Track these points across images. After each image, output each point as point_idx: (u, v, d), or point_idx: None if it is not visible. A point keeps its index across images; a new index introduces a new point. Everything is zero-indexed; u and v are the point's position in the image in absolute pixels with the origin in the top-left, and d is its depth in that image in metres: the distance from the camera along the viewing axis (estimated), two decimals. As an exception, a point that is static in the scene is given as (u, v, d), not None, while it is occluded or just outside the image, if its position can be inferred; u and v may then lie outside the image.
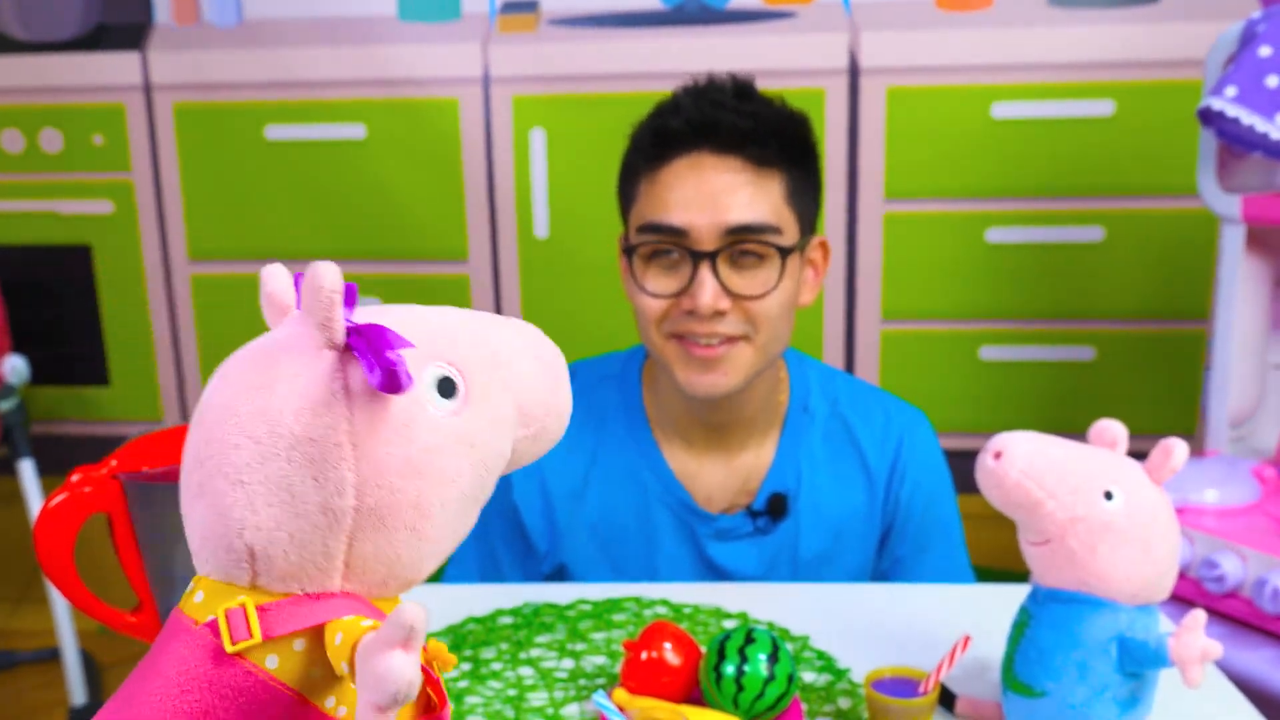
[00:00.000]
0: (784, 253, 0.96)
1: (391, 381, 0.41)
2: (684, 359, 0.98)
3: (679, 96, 1.00)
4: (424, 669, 0.40)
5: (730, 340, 0.97)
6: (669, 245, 0.96)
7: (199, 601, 0.42)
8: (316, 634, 0.41)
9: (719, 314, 0.96)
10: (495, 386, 0.45)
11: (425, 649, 0.41)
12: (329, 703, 0.42)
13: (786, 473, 1.05)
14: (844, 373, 1.16)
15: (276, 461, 0.41)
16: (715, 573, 1.05)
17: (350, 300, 0.43)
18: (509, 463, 0.47)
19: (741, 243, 0.95)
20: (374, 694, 0.35)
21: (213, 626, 0.41)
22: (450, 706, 0.44)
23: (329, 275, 0.41)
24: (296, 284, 0.48)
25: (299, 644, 0.41)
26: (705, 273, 0.95)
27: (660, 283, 0.98)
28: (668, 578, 1.05)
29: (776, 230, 0.96)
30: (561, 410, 0.48)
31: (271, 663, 0.40)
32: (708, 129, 0.96)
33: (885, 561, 1.08)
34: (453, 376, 0.44)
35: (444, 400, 0.43)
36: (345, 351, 0.42)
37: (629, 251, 1.00)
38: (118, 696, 0.42)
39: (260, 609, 0.41)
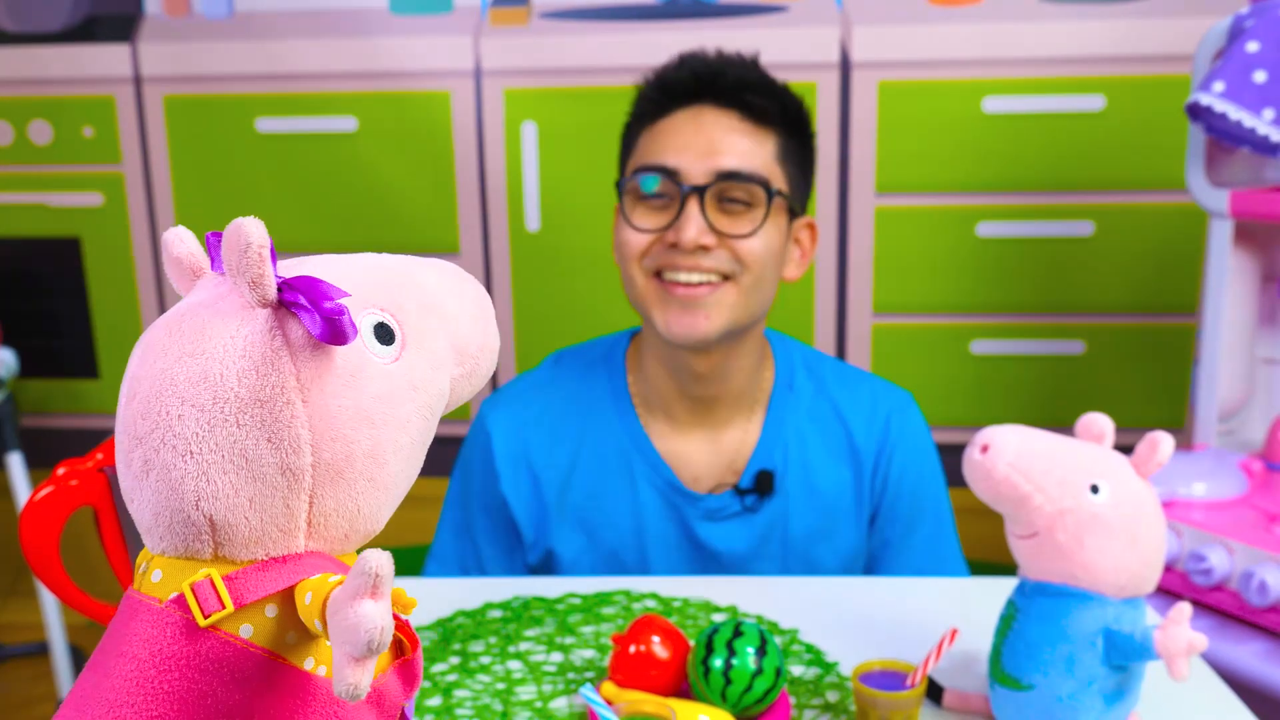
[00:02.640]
0: (771, 195, 0.98)
1: (335, 332, 0.40)
2: (664, 299, 0.98)
3: (686, 55, 1.03)
4: (394, 615, 0.39)
5: (712, 285, 0.97)
6: (661, 189, 0.98)
7: (158, 580, 0.41)
8: (287, 597, 0.41)
9: (703, 249, 0.96)
10: (430, 329, 0.45)
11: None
12: (308, 663, 0.41)
13: (773, 450, 1.05)
14: (829, 355, 1.16)
15: (226, 427, 0.40)
16: (704, 553, 1.05)
17: (271, 256, 0.42)
18: (447, 404, 0.47)
19: (730, 186, 0.97)
20: (349, 645, 0.35)
21: (179, 603, 0.40)
22: (421, 647, 0.44)
23: (255, 231, 0.41)
24: (210, 247, 0.47)
25: (271, 609, 0.40)
26: (692, 206, 0.96)
27: (648, 219, 0.99)
28: (657, 559, 1.05)
29: (766, 182, 0.98)
30: (492, 347, 0.48)
31: (246, 631, 0.40)
32: (711, 80, 0.99)
33: (874, 542, 1.09)
34: (388, 322, 0.44)
35: (383, 347, 0.43)
36: (279, 308, 0.42)
37: (621, 190, 1.01)
38: (80, 688, 0.42)
39: (227, 578, 0.40)
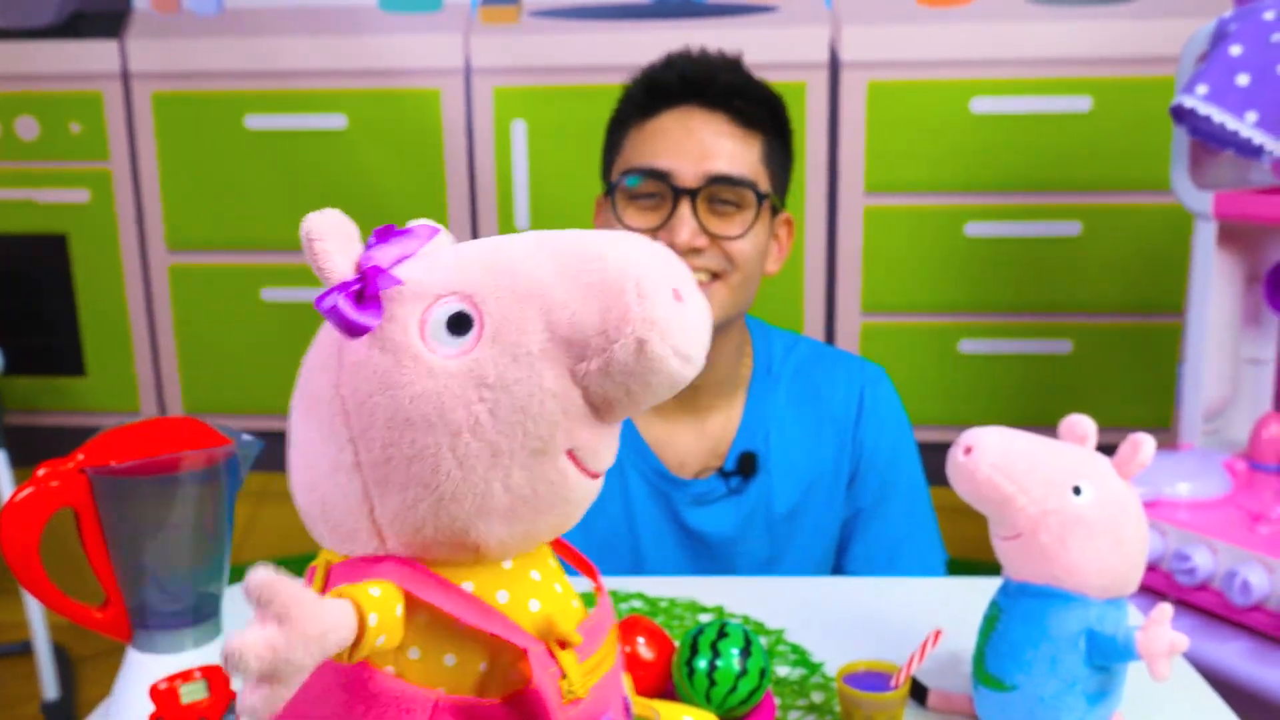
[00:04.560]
0: (760, 198, 1.00)
1: (343, 324, 0.39)
2: None
3: (673, 56, 1.03)
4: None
5: (703, 285, 1.00)
6: (652, 190, 0.98)
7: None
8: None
9: (696, 251, 0.98)
10: (521, 318, 0.39)
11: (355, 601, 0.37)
12: (388, 670, 0.40)
13: (755, 432, 1.07)
14: (807, 337, 1.18)
15: (305, 419, 0.41)
16: (692, 537, 1.07)
17: (384, 238, 0.41)
18: (609, 404, 0.39)
19: (721, 189, 0.98)
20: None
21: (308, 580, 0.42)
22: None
23: (313, 221, 0.40)
24: (384, 235, 0.43)
25: None
26: (685, 209, 0.98)
27: (640, 220, 1.00)
28: (647, 545, 1.06)
29: (755, 185, 0.99)
30: (635, 333, 0.38)
31: None
32: (699, 83, 1.00)
33: (848, 510, 1.10)
34: (466, 311, 0.39)
35: (453, 338, 0.39)
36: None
37: (610, 192, 1.01)
38: None
39: (330, 568, 0.41)
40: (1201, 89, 1.19)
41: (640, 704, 0.71)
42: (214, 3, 1.84)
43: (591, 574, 0.49)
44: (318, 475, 0.40)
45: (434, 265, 0.40)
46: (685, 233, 0.97)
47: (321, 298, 0.39)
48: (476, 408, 0.38)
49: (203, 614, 0.66)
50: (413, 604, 0.39)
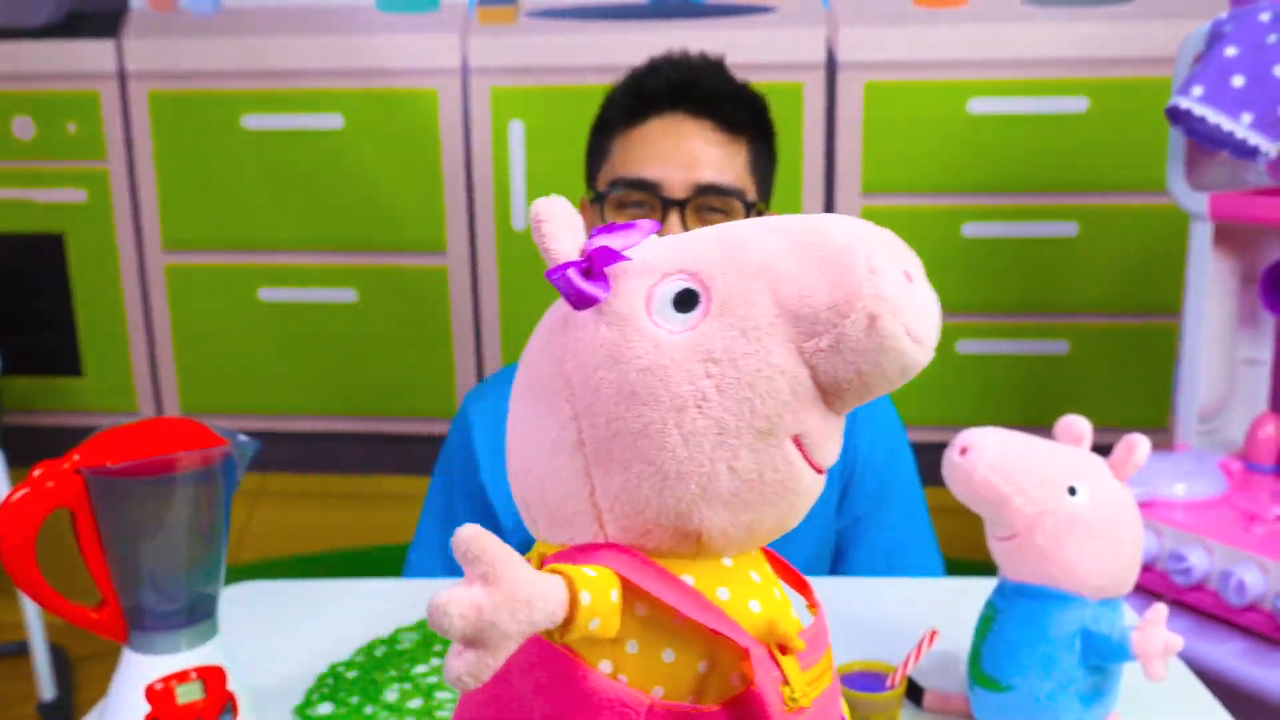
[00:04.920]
0: (748, 208, 1.01)
1: (572, 294, 0.38)
2: None
3: (658, 61, 1.03)
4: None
5: None
6: (640, 199, 0.99)
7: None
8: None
9: None
10: (748, 291, 0.38)
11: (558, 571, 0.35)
12: (604, 665, 0.38)
13: None
14: None
15: (522, 401, 0.40)
16: None
17: (607, 230, 0.40)
18: (837, 388, 0.38)
19: (710, 199, 0.99)
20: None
21: None
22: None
23: (541, 203, 0.40)
24: (607, 229, 0.42)
25: None
26: (674, 219, 0.98)
27: None
28: None
29: (740, 192, 1.00)
30: (868, 307, 0.37)
31: None
32: (686, 90, 1.01)
33: (845, 519, 1.10)
34: (693, 287, 0.39)
35: (679, 314, 0.38)
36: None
37: (600, 199, 1.01)
38: None
39: (544, 559, 0.39)
40: (1197, 90, 1.20)
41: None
42: (211, 2, 1.84)
43: (804, 588, 0.47)
44: (537, 458, 0.39)
45: (658, 246, 0.40)
46: None
47: (552, 270, 0.39)
48: (703, 383, 0.37)
49: (198, 615, 0.66)
50: (630, 594, 0.38)
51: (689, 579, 0.39)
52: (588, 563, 0.37)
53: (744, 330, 0.37)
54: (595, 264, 0.39)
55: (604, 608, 0.36)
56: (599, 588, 0.36)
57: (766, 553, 0.45)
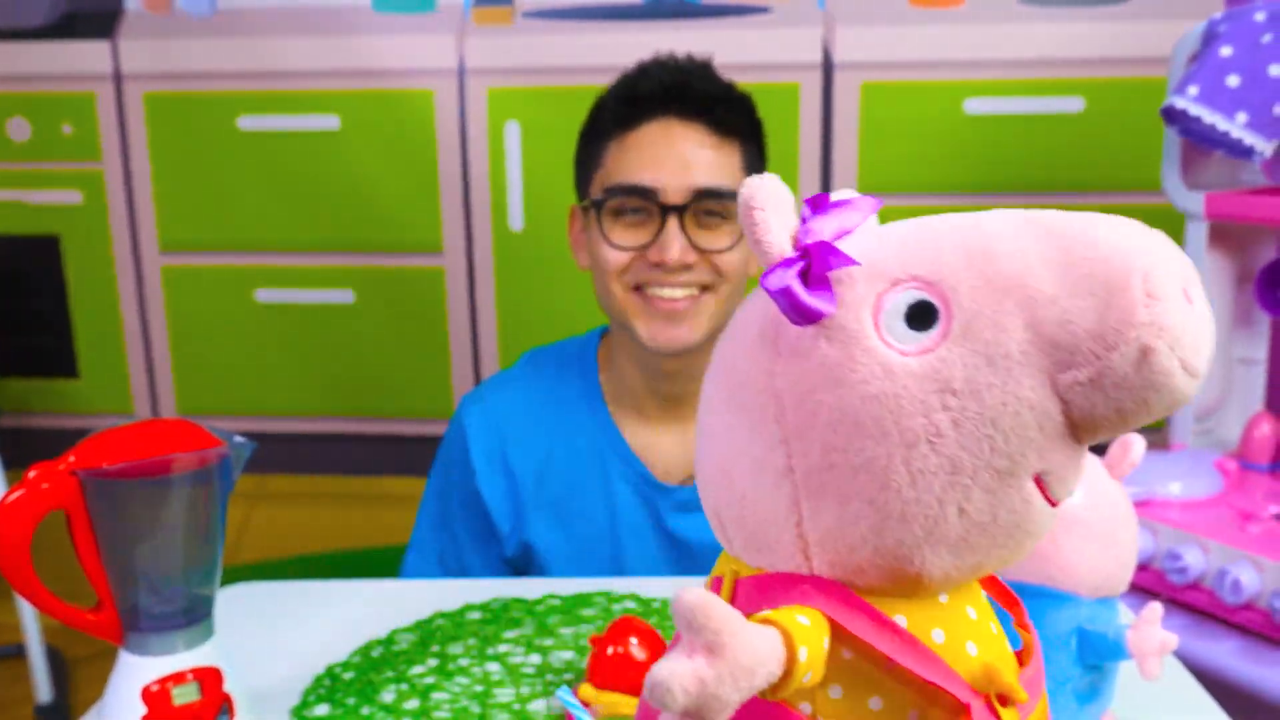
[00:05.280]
0: None
1: (794, 309, 0.33)
2: (647, 312, 1.00)
3: (647, 65, 1.03)
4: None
5: (693, 298, 0.99)
6: (639, 205, 0.98)
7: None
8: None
9: (685, 267, 0.98)
10: (998, 313, 0.33)
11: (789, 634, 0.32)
12: (803, 708, 0.35)
13: None
14: None
15: (721, 406, 0.36)
16: (675, 544, 1.07)
17: (820, 209, 0.35)
18: (1092, 424, 0.33)
19: (707, 203, 0.98)
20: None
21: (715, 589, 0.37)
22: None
23: (754, 188, 0.34)
24: (820, 205, 0.37)
25: None
26: (674, 226, 0.98)
27: (627, 236, 1.00)
28: (630, 551, 1.06)
29: (736, 195, 0.99)
30: (1142, 339, 0.32)
31: None
32: (677, 93, 1.00)
33: None
34: (930, 300, 0.34)
35: (912, 332, 0.33)
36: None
37: (596, 207, 1.01)
38: None
39: (738, 582, 0.36)
40: (1192, 90, 1.20)
41: (633, 705, 0.71)
42: (206, 3, 1.84)
43: (1014, 605, 0.43)
44: (738, 471, 0.35)
45: (885, 242, 0.35)
46: (676, 250, 0.97)
47: (768, 275, 0.34)
48: (939, 416, 0.32)
49: (195, 616, 0.66)
50: (838, 635, 0.34)
51: (902, 619, 0.36)
52: (790, 598, 0.34)
53: (990, 358, 0.32)
54: (814, 262, 0.34)
55: (817, 659, 0.33)
56: (813, 638, 0.32)
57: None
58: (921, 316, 0.33)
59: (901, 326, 0.33)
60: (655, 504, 1.07)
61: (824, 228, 0.35)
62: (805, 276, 0.34)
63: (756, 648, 0.30)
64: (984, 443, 0.33)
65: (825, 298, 0.34)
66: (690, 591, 0.29)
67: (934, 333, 0.33)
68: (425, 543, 1.11)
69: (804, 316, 0.33)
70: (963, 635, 0.37)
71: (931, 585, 0.35)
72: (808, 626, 0.33)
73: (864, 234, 0.36)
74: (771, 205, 0.35)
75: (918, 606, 0.36)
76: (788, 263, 0.34)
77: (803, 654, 0.32)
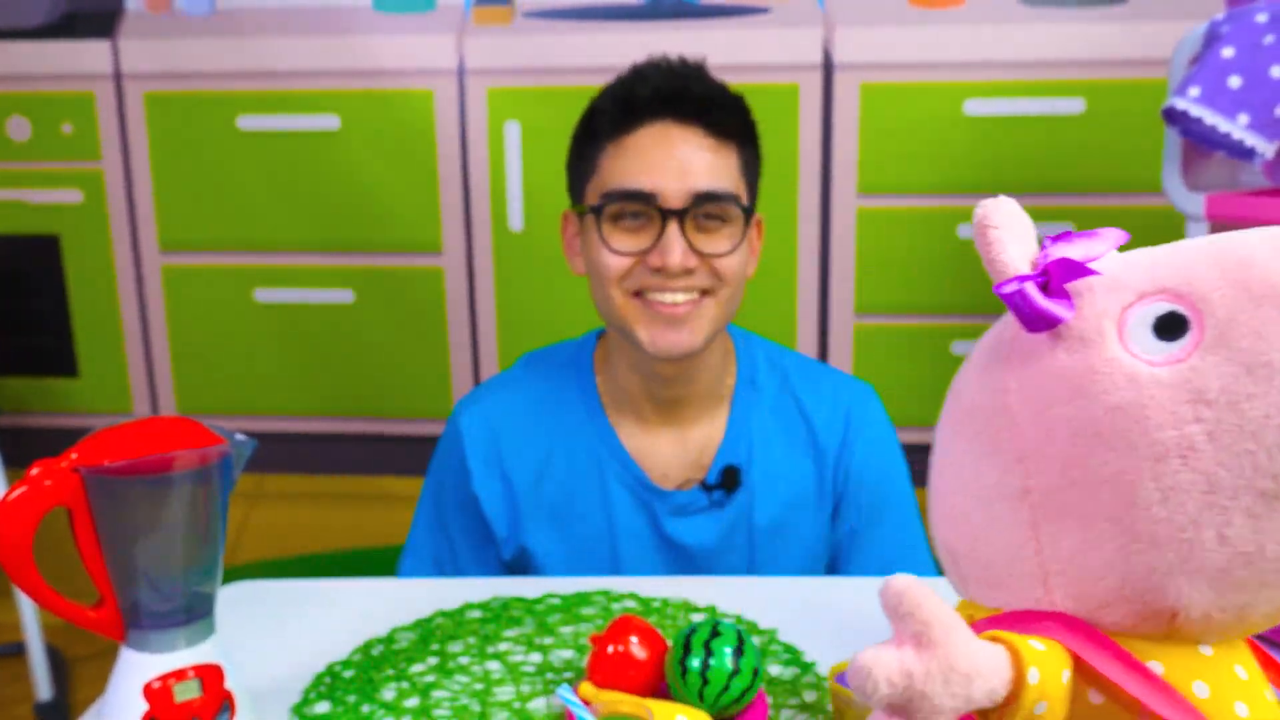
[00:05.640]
0: (746, 213, 1.00)
1: (1027, 313, 0.32)
2: (647, 317, 1.00)
3: (641, 68, 1.03)
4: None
5: (693, 302, 0.99)
6: (636, 210, 0.98)
7: None
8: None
9: (686, 271, 0.98)
10: (1256, 322, 0.31)
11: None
12: None
13: (738, 446, 1.07)
14: (792, 350, 1.18)
15: (954, 436, 0.35)
16: (673, 548, 1.06)
17: (1064, 238, 0.35)
18: None
19: (707, 207, 0.98)
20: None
21: None
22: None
23: (982, 207, 0.34)
24: (1063, 236, 0.38)
25: None
26: (674, 231, 0.97)
27: (626, 241, 0.99)
28: (627, 555, 1.06)
29: (736, 198, 0.99)
30: None
31: None
32: (675, 97, 0.99)
33: (840, 533, 1.10)
34: (1181, 311, 0.32)
35: (1161, 343, 0.32)
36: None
37: (595, 213, 1.01)
38: None
39: (975, 624, 0.33)
40: (1193, 91, 1.20)
41: (633, 703, 0.71)
42: (206, 3, 1.84)
43: None
44: (973, 504, 0.33)
45: (1132, 261, 0.34)
46: (677, 254, 0.96)
47: (1003, 283, 0.33)
48: (1191, 428, 0.30)
49: (196, 613, 0.66)
50: (1083, 675, 0.32)
51: (1157, 666, 0.33)
52: (1032, 633, 0.32)
53: (1250, 367, 0.30)
54: (1054, 279, 0.33)
55: (1053, 690, 0.30)
56: (1049, 666, 0.30)
57: (1249, 641, 0.36)
58: (1171, 327, 0.32)
59: (1149, 338, 0.32)
60: (652, 508, 1.06)
61: (1068, 252, 0.34)
62: (1046, 290, 0.33)
63: (975, 655, 0.28)
64: (1244, 459, 0.30)
65: (1062, 304, 0.33)
66: (901, 578, 0.28)
67: (1185, 342, 0.31)
68: (421, 546, 1.11)
69: (1039, 320, 0.33)
70: (1230, 694, 0.33)
71: (1191, 627, 0.32)
72: (1042, 652, 0.30)
73: (1111, 257, 0.35)
74: (1006, 225, 0.35)
75: (1177, 654, 0.33)
76: (1024, 277, 0.33)
77: (1033, 675, 0.29)
